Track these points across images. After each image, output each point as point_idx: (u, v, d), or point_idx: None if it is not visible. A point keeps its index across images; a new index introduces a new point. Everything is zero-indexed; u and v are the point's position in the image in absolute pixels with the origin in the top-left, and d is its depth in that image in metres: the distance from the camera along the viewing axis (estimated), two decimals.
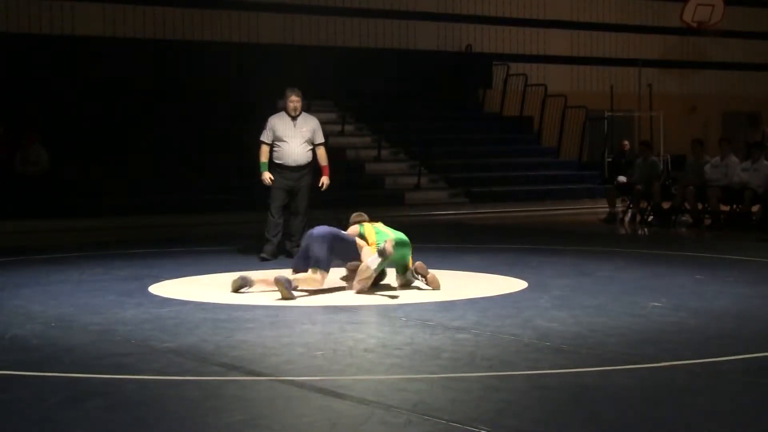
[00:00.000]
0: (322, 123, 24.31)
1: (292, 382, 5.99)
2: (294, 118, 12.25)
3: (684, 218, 17.44)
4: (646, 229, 17.29)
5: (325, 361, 6.58)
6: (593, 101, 26.28)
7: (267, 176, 12.14)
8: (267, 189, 12.28)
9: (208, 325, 7.88)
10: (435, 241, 14.80)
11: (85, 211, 17.93)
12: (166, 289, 9.86)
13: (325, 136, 23.22)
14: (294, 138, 12.18)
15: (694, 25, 29.26)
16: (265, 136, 12.25)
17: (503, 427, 5.10)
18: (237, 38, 23.76)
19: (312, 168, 12.36)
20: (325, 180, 12.33)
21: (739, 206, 16.42)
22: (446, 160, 23.40)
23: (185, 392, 5.90)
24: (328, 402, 5.59)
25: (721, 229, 16.28)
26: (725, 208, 16.75)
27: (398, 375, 6.20)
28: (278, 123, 12.25)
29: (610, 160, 24.61)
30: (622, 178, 19.10)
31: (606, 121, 25.74)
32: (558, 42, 28.53)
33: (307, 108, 23.43)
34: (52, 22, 21.80)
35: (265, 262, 11.87)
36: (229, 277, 10.80)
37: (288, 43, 24.19)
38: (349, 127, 23.50)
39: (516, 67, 26.56)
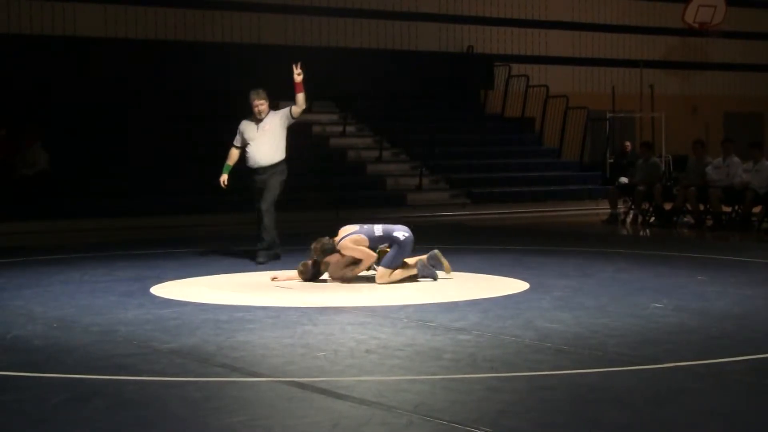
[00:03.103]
0: (324, 124, 24.47)
1: (293, 383, 5.99)
2: (260, 120, 12.15)
3: (685, 219, 17.45)
4: (647, 230, 17.30)
5: (327, 362, 6.58)
6: (595, 102, 26.28)
7: (222, 179, 12.17)
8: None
9: (209, 326, 7.88)
10: (436, 242, 14.80)
11: (86, 212, 17.94)
12: (168, 290, 9.87)
13: (327, 137, 23.46)
14: (257, 140, 12.08)
15: (696, 26, 29.26)
16: (236, 140, 12.24)
17: (504, 428, 5.10)
18: (239, 39, 23.77)
19: (281, 169, 12.19)
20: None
21: (741, 207, 16.42)
22: (448, 161, 23.39)
23: (186, 393, 5.90)
24: (330, 403, 5.59)
25: (723, 230, 16.28)
26: (727, 208, 16.76)
27: (399, 376, 6.20)
28: (246, 126, 12.20)
29: (611, 161, 24.61)
30: (623, 179, 19.10)
31: (607, 122, 25.73)
32: (559, 43, 28.53)
33: (309, 108, 23.67)
34: (53, 23, 21.81)
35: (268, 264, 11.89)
36: (230, 279, 10.83)
37: (289, 44, 24.20)
38: (350, 128, 23.51)
39: (517, 68, 26.55)
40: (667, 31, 29.91)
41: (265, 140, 12.08)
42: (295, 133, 23.55)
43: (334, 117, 23.87)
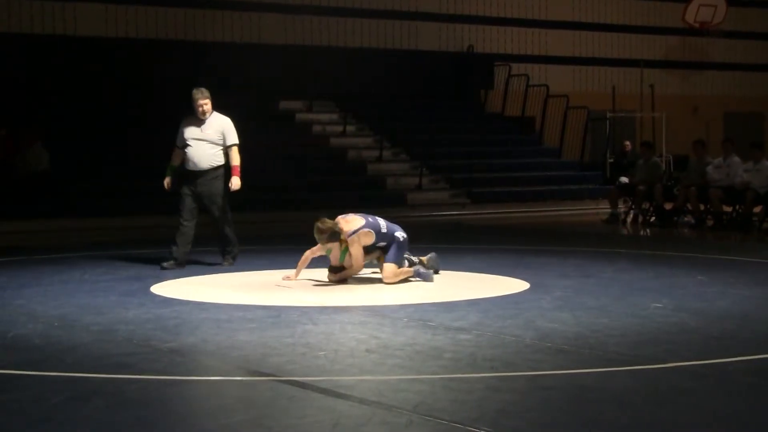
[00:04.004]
0: (324, 124, 24.46)
1: (293, 383, 5.99)
2: (202, 121, 11.54)
3: (686, 219, 17.45)
4: (648, 230, 17.29)
5: (327, 361, 6.58)
6: (595, 102, 26.29)
7: (165, 182, 11.62)
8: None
9: (209, 325, 7.88)
10: (436, 241, 14.80)
11: (86, 212, 17.93)
12: (168, 289, 9.87)
13: (327, 136, 23.45)
14: (197, 141, 11.49)
15: (697, 25, 29.27)
16: (178, 140, 11.67)
17: (504, 427, 5.10)
18: (239, 38, 23.78)
19: (223, 173, 11.57)
20: (234, 180, 11.42)
21: (741, 207, 16.43)
22: (448, 160, 23.40)
23: (187, 392, 5.90)
24: (330, 402, 5.59)
25: (723, 230, 16.28)
26: (727, 208, 16.76)
27: (400, 375, 6.20)
28: (187, 126, 11.60)
29: (611, 160, 24.62)
30: (624, 179, 19.10)
31: (608, 121, 25.74)
32: (560, 42, 28.54)
33: (310, 108, 23.72)
34: (54, 23, 21.81)
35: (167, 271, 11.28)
36: (230, 278, 10.83)
37: (289, 44, 24.21)
38: (350, 128, 23.52)
39: (518, 68, 26.56)
40: (668, 31, 29.92)
41: (207, 142, 11.50)
42: (295, 132, 23.71)
43: (335, 116, 23.88)
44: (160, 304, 9.00)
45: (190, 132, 11.54)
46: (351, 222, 9.99)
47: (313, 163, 21.73)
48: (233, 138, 11.58)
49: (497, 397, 5.66)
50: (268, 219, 17.93)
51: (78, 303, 9.06)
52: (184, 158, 11.58)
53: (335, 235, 9.89)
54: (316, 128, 23.28)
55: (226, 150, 11.56)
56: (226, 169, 11.58)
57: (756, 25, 31.38)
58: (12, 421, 5.31)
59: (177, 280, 10.57)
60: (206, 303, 9.03)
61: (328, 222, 9.90)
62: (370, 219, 10.07)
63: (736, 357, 6.65)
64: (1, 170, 18.42)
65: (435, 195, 22.19)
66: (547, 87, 25.86)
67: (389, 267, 10.02)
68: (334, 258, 10.09)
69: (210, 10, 23.37)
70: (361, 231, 9.93)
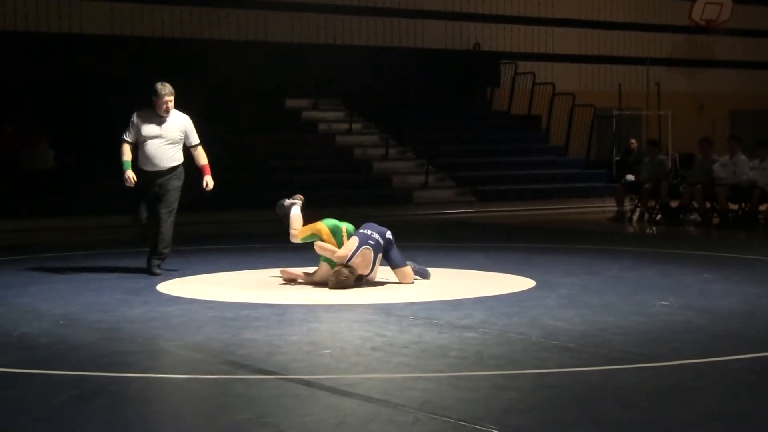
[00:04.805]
0: (330, 122, 24.45)
1: (299, 381, 5.99)
2: (162, 118, 10.81)
3: (692, 217, 17.43)
4: (653, 228, 17.27)
5: (332, 359, 6.58)
6: (601, 100, 26.27)
7: (129, 174, 10.70)
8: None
9: (215, 324, 7.88)
10: (442, 239, 14.82)
11: (91, 210, 17.94)
12: (174, 287, 9.87)
13: (333, 134, 23.47)
14: (157, 139, 10.74)
15: (703, 23, 29.23)
16: (128, 135, 10.81)
17: (510, 426, 5.10)
18: (245, 37, 23.78)
19: (179, 172, 10.93)
20: (208, 180, 10.98)
21: (747, 205, 16.41)
22: (454, 158, 23.40)
23: (192, 391, 5.90)
24: (335, 400, 5.59)
25: (729, 228, 16.26)
26: (733, 206, 16.74)
27: (405, 373, 6.20)
28: (144, 122, 10.78)
29: (617, 158, 24.60)
30: (630, 177, 19.08)
31: (614, 119, 25.72)
32: (566, 40, 28.52)
33: (316, 106, 23.72)
34: (60, 21, 21.83)
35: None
36: (236, 276, 10.81)
37: (295, 42, 24.21)
38: (356, 126, 23.52)
39: (524, 66, 26.55)
40: (674, 29, 29.90)
41: (168, 140, 10.79)
42: (300, 130, 23.69)
43: (341, 114, 23.88)
44: (166, 302, 9.01)
45: (149, 129, 10.79)
46: (364, 261, 9.65)
47: (318, 162, 21.72)
48: (196, 137, 11.00)
49: (503, 395, 5.66)
50: (272, 217, 17.90)
51: (83, 301, 9.07)
52: (142, 157, 10.84)
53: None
54: (322, 126, 23.28)
55: (187, 149, 11.01)
56: (184, 168, 11.04)
57: (762, 23, 31.33)
58: (16, 419, 5.32)
59: (182, 278, 10.58)
60: (212, 301, 9.03)
61: (344, 271, 9.59)
62: (370, 242, 9.69)
63: (741, 355, 6.63)
64: (6, 168, 18.44)
65: (441, 193, 22.19)
66: (554, 85, 25.85)
67: (404, 270, 9.90)
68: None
69: (215, 8, 23.37)
70: (377, 260, 9.75)
